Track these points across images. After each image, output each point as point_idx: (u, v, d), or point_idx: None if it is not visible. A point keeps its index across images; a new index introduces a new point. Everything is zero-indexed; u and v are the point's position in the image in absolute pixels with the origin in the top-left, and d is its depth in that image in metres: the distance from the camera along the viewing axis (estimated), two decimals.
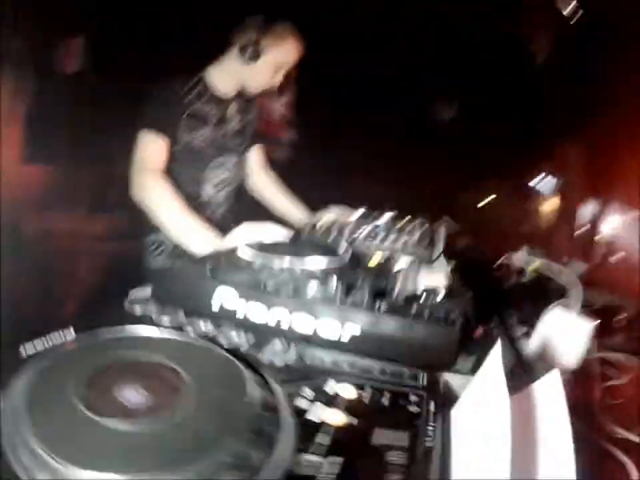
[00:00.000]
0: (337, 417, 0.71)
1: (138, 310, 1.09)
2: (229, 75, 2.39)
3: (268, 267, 1.17)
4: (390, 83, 5.48)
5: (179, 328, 1.00)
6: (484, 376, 0.71)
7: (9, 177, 2.82)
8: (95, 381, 0.62)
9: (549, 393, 0.68)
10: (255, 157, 2.78)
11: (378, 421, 0.71)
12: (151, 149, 2.17)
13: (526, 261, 1.85)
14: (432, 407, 0.76)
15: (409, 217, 2.28)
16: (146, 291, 1.21)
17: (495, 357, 0.69)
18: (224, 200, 2.56)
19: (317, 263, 1.19)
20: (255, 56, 2.23)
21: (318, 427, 0.69)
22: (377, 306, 1.02)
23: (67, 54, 3.06)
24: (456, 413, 0.76)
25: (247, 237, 1.61)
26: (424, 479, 0.62)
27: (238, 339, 0.97)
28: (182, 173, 2.35)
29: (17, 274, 2.70)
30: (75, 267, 3.33)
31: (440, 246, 1.67)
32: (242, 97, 2.52)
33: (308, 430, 0.68)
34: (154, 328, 0.85)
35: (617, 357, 1.43)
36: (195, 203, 2.30)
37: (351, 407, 0.74)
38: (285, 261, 1.17)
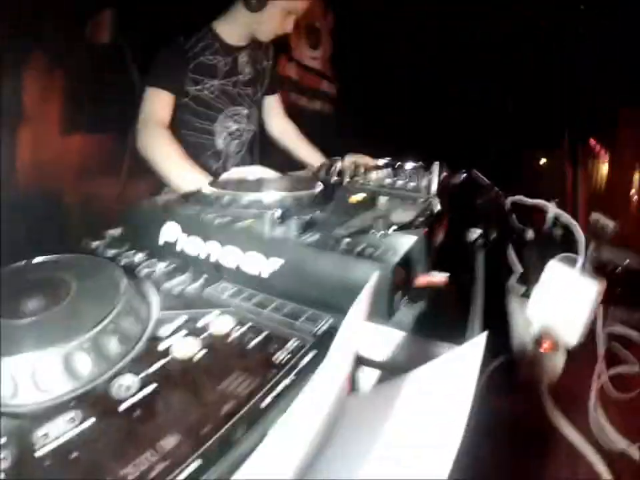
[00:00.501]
0: (182, 349, 0.62)
1: (92, 244, 1.09)
2: (237, 25, 2.37)
3: (220, 202, 1.16)
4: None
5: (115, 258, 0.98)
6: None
7: (51, 150, 2.87)
8: (6, 294, 0.67)
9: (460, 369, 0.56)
10: (274, 103, 2.79)
11: (225, 362, 0.61)
12: (155, 104, 2.20)
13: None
14: (306, 360, 0.62)
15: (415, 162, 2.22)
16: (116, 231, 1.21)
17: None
18: (236, 150, 2.56)
19: (271, 197, 1.15)
20: (261, 4, 2.20)
21: (160, 354, 0.62)
22: (305, 237, 0.92)
23: (97, 25, 3.06)
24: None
25: (232, 175, 1.58)
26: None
27: (159, 268, 0.92)
28: (192, 125, 2.36)
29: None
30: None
31: (433, 186, 1.53)
32: (253, 46, 2.50)
33: (151, 353, 0.63)
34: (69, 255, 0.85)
35: (635, 335, 1.26)
36: (207, 154, 2.37)
37: (209, 342, 0.64)
38: (239, 196, 1.16)
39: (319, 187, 1.29)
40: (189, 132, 2.36)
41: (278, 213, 0.98)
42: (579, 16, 4.57)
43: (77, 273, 0.73)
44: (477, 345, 0.56)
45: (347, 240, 0.90)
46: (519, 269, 1.40)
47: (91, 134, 3.04)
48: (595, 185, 4.91)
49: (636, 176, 4.39)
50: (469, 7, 4.83)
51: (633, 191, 4.07)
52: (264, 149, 2.78)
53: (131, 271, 0.88)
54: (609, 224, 1.68)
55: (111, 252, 1.01)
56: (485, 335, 0.56)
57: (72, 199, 3.03)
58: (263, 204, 1.12)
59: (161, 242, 1.06)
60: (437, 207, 1.24)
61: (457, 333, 0.87)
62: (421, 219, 1.06)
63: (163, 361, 0.60)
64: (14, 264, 0.84)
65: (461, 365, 0.55)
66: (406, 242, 0.92)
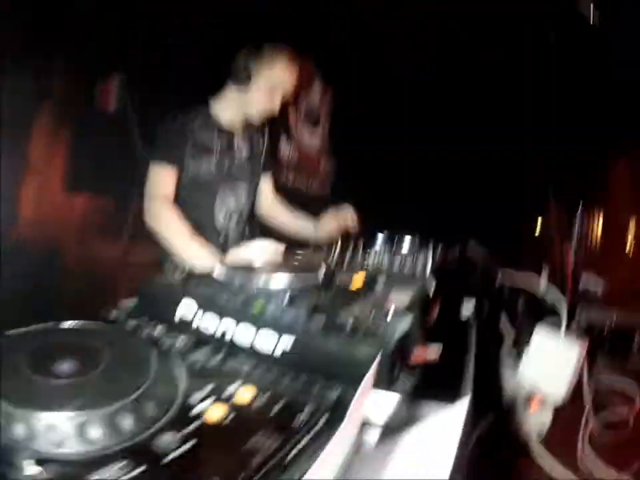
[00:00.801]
0: (212, 414, 0.71)
1: (111, 315, 1.16)
2: (229, 105, 2.45)
3: (233, 283, 1.23)
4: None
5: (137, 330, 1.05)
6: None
7: (54, 205, 2.95)
8: (40, 354, 0.74)
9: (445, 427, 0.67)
10: (264, 183, 2.83)
11: (251, 426, 0.70)
12: (160, 179, 2.28)
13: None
14: (320, 425, 0.73)
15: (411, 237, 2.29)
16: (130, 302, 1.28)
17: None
18: (235, 226, 2.59)
19: (280, 280, 1.23)
20: (246, 80, 2.28)
21: (193, 418, 0.71)
22: (313, 321, 1.03)
23: (105, 92, 3.15)
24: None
25: (240, 257, 1.65)
26: None
27: (181, 341, 1.00)
28: (193, 201, 2.41)
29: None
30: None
31: (428, 267, 1.64)
32: (249, 126, 2.57)
33: (186, 416, 0.71)
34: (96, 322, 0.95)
35: (621, 383, 1.33)
36: (207, 230, 2.39)
37: (236, 409, 0.73)
38: (251, 280, 1.24)
39: (322, 270, 1.37)
40: (190, 209, 2.39)
41: (287, 296, 1.09)
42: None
43: (107, 340, 0.82)
44: (460, 406, 0.67)
45: (351, 324, 1.01)
46: (511, 334, 1.48)
47: (93, 195, 3.15)
48: (585, 245, 4.98)
49: (628, 235, 4.45)
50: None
51: (624, 249, 4.14)
52: (262, 223, 2.84)
53: (153, 342, 0.97)
54: (598, 283, 1.77)
55: (132, 323, 1.09)
56: (468, 397, 0.68)
57: (72, 259, 3.08)
58: (273, 284, 1.22)
59: (176, 318, 1.14)
60: (432, 288, 1.35)
61: (451, 396, 0.96)
62: (416, 304, 1.18)
63: (197, 423, 0.69)
64: (43, 324, 0.90)
65: (446, 423, 0.66)
66: (402, 324, 1.05)
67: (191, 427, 0.68)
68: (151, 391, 0.72)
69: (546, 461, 1.14)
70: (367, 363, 0.88)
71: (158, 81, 3.20)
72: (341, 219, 2.48)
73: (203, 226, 2.38)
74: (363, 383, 0.69)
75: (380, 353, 0.90)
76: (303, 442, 0.68)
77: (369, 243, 2.22)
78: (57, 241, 3.04)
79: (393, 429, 0.85)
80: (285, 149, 4.91)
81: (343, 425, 0.63)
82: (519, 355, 1.32)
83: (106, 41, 2.92)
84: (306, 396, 0.81)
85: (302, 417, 0.74)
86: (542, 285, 1.78)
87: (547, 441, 1.16)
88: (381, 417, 0.88)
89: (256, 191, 2.74)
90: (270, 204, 2.85)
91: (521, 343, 1.33)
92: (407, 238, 2.60)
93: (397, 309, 1.10)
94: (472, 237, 2.95)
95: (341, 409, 0.77)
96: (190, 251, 2.07)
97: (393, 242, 2.37)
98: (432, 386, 1.01)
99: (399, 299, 1.24)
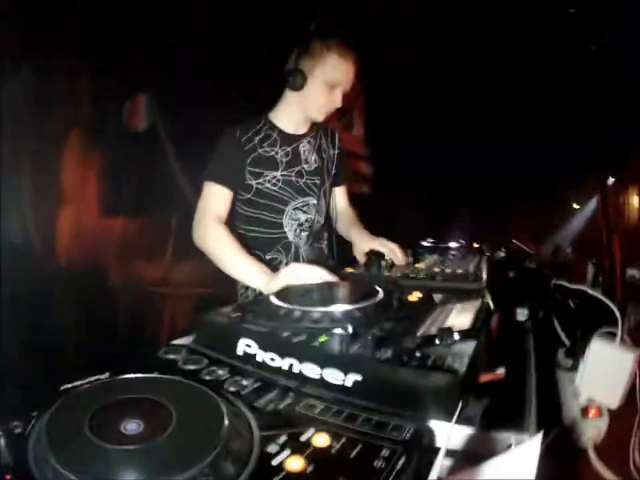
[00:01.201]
0: (294, 463, 0.70)
1: (169, 356, 1.14)
2: (290, 111, 2.39)
3: (292, 316, 1.23)
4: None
5: (199, 373, 1.04)
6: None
7: (90, 229, 2.99)
8: (100, 415, 0.71)
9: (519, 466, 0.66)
10: (340, 195, 2.74)
11: (334, 472, 0.69)
12: (212, 200, 2.22)
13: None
14: (400, 463, 0.71)
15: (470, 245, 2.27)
16: (187, 340, 1.29)
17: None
18: (306, 242, 2.51)
19: (340, 310, 1.23)
20: (302, 80, 2.22)
21: (274, 470, 0.69)
22: (380, 354, 1.02)
23: (133, 111, 3.15)
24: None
25: (289, 280, 1.66)
26: None
27: (245, 384, 0.99)
28: (259, 220, 2.38)
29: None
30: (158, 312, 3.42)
31: (484, 277, 1.63)
32: (316, 134, 2.50)
33: (266, 471, 0.69)
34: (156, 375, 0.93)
35: None
36: (277, 247, 2.39)
37: (315, 456, 0.72)
38: (309, 311, 1.23)
39: (380, 294, 1.36)
40: (256, 227, 2.38)
41: (349, 329, 1.08)
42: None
43: (171, 395, 0.80)
44: (533, 445, 0.66)
45: (418, 354, 1.00)
46: (565, 342, 1.47)
47: (131, 217, 3.16)
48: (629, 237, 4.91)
49: None
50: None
51: None
52: (332, 239, 2.70)
53: (218, 388, 0.95)
54: None
55: (191, 367, 1.08)
56: (539, 436, 0.67)
57: (115, 281, 3.11)
58: (332, 318, 1.21)
59: (238, 357, 1.15)
60: (490, 301, 1.33)
61: (516, 419, 1.01)
62: (479, 324, 1.16)
63: (280, 476, 0.68)
64: (99, 379, 0.92)
65: (520, 462, 0.66)
66: (468, 349, 1.04)
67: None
68: (227, 447, 0.68)
69: (601, 469, 1.12)
70: (441, 392, 0.90)
71: (186, 96, 3.20)
72: (388, 249, 2.23)
73: (271, 243, 2.38)
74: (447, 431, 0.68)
75: (453, 381, 0.91)
76: None
77: (417, 251, 2.22)
78: (98, 266, 3.06)
79: (464, 460, 0.84)
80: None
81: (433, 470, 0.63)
82: (574, 365, 1.30)
83: (131, 58, 2.95)
84: (382, 433, 0.80)
85: (380, 461, 0.72)
86: (589, 285, 1.76)
87: (599, 449, 1.14)
88: (451, 446, 0.87)
89: (329, 202, 2.64)
90: (346, 218, 2.69)
91: (576, 351, 1.31)
92: (454, 244, 2.61)
93: (462, 332, 1.09)
94: (515, 239, 2.93)
95: (417, 443, 0.78)
96: (240, 270, 2.03)
97: (439, 250, 2.37)
98: (497, 410, 0.99)
99: (462, 317, 1.24)
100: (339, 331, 1.10)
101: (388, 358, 1.01)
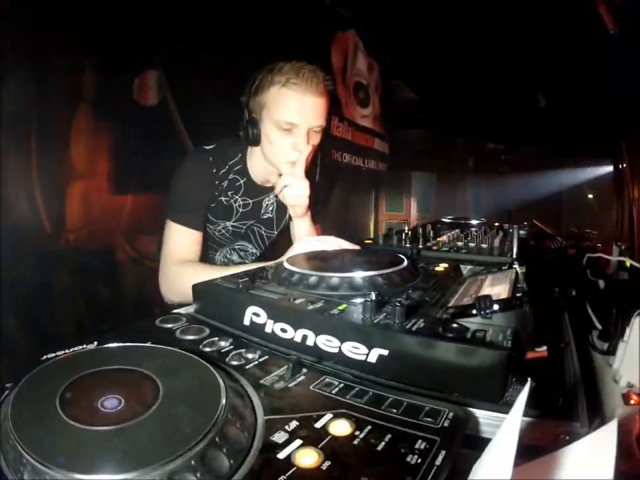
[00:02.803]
0: (306, 457, 0.55)
1: (166, 325, 1.03)
2: (256, 160, 2.10)
3: (307, 282, 1.11)
4: None
5: (198, 344, 0.92)
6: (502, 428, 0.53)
7: (101, 206, 2.97)
8: (75, 389, 0.61)
9: (596, 453, 0.52)
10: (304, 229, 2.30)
11: (357, 468, 0.54)
12: (180, 242, 1.98)
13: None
14: (439, 459, 0.56)
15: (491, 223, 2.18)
16: (188, 309, 1.19)
17: (518, 404, 0.51)
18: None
19: (362, 276, 1.10)
20: (253, 132, 1.94)
21: (281, 464, 0.55)
22: (409, 325, 0.87)
23: (143, 86, 3.09)
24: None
25: (309, 247, 1.54)
26: None
27: (250, 357, 0.86)
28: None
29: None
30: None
31: (514, 250, 1.53)
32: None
33: (270, 466, 0.55)
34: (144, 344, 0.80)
35: None
36: None
37: (333, 447, 0.58)
38: (327, 276, 1.11)
39: (404, 262, 1.24)
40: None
41: (373, 296, 0.93)
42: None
43: (161, 368, 0.68)
44: (610, 430, 0.54)
45: (454, 325, 0.85)
46: (598, 325, 1.35)
47: (141, 193, 3.14)
48: None
49: None
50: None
51: None
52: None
53: (218, 361, 0.83)
54: None
55: (190, 337, 0.95)
56: (614, 425, 0.54)
57: (123, 256, 3.07)
58: (353, 284, 1.08)
59: (244, 327, 1.03)
60: (522, 274, 1.19)
61: (564, 406, 0.83)
62: (518, 294, 1.00)
63: (287, 474, 0.53)
64: (82, 348, 0.82)
65: (598, 449, 0.53)
66: (510, 321, 0.89)
67: (279, 479, 0.53)
68: (223, 433, 0.56)
69: None
70: (486, 371, 0.76)
71: (196, 70, 3.12)
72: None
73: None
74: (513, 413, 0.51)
75: (501, 358, 0.76)
76: None
77: (438, 228, 2.16)
78: (107, 242, 3.01)
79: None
80: (338, 129, 4.80)
81: None
82: (610, 349, 1.16)
83: (139, 33, 2.85)
84: (413, 427, 0.64)
85: (414, 456, 0.57)
86: (613, 263, 1.71)
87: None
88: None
89: (267, 250, 2.38)
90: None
91: (610, 334, 1.18)
92: (474, 221, 2.54)
93: (503, 301, 0.93)
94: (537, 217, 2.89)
95: (459, 433, 0.63)
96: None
97: (460, 226, 2.30)
98: (542, 395, 0.84)
99: (496, 288, 1.10)
100: (360, 299, 0.96)
101: (419, 329, 0.86)
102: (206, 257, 2.18)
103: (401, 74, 5.46)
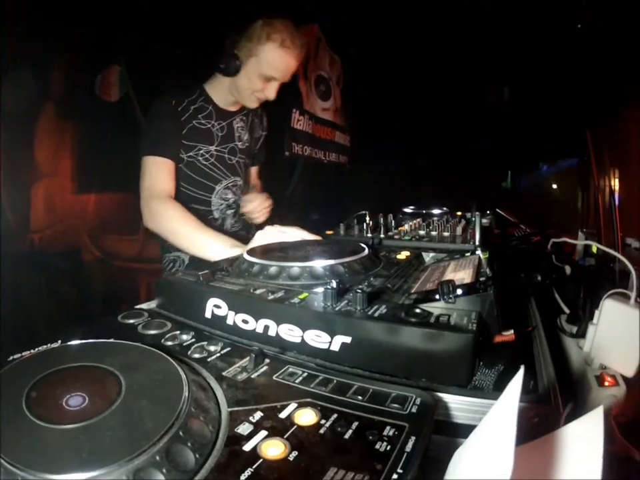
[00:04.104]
0: (272, 448, 0.54)
1: (128, 321, 1.00)
2: (221, 89, 2.27)
3: (267, 273, 1.11)
4: None
5: (160, 338, 0.90)
6: (496, 413, 0.52)
7: (65, 206, 2.90)
8: (40, 388, 0.61)
9: (585, 439, 0.51)
10: (255, 175, 2.72)
11: (325, 458, 0.53)
12: (157, 175, 2.07)
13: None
14: (409, 445, 0.55)
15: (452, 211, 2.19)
16: (150, 304, 1.18)
17: (513, 389, 0.50)
18: (232, 222, 2.45)
19: (322, 265, 1.10)
20: (235, 68, 2.11)
21: (247, 456, 0.54)
22: (371, 311, 0.86)
23: (106, 83, 3.04)
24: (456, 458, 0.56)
25: (268, 239, 1.53)
26: None
27: (212, 349, 0.84)
28: (189, 195, 2.26)
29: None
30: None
31: (477, 236, 1.52)
32: (248, 112, 2.42)
33: (235, 459, 0.54)
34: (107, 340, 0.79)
35: None
36: (204, 220, 2.15)
37: (299, 437, 0.56)
38: (287, 266, 1.11)
39: (365, 250, 1.24)
40: (184, 202, 2.19)
41: (334, 284, 0.92)
42: None
43: (124, 363, 0.67)
44: (595, 418, 0.52)
45: (417, 310, 0.84)
46: (565, 309, 1.36)
47: (105, 193, 3.07)
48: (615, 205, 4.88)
49: None
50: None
51: None
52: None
53: (180, 355, 0.81)
54: None
55: (152, 332, 0.93)
56: (600, 411, 0.52)
57: (89, 257, 3.03)
58: (314, 273, 1.07)
59: (205, 320, 1.01)
60: (486, 260, 1.20)
61: (534, 389, 0.83)
62: (482, 278, 0.99)
63: (254, 466, 0.52)
64: (45, 347, 0.79)
65: (586, 435, 0.51)
66: (474, 305, 0.89)
67: (247, 471, 0.51)
68: (186, 427, 0.55)
69: (621, 438, 0.99)
70: (452, 356, 0.75)
71: (158, 67, 3.08)
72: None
73: (198, 215, 2.17)
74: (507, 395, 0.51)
75: (467, 341, 0.75)
76: (395, 476, 0.51)
77: (399, 218, 2.16)
78: (73, 242, 2.98)
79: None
80: (299, 122, 4.79)
81: None
82: (579, 332, 1.17)
83: (102, 30, 2.78)
84: (380, 414, 0.63)
85: (383, 443, 0.56)
86: (580, 254, 1.72)
87: (616, 419, 1.02)
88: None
89: (246, 181, 2.57)
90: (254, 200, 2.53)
91: (578, 317, 1.18)
92: (436, 210, 2.54)
93: (466, 285, 0.93)
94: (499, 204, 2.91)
95: (428, 418, 0.61)
96: (201, 243, 1.86)
97: (422, 215, 2.30)
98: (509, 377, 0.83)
99: (459, 274, 1.09)
100: (321, 288, 0.94)
101: (381, 315, 0.85)
102: (197, 200, 2.31)
103: (365, 67, 5.44)
